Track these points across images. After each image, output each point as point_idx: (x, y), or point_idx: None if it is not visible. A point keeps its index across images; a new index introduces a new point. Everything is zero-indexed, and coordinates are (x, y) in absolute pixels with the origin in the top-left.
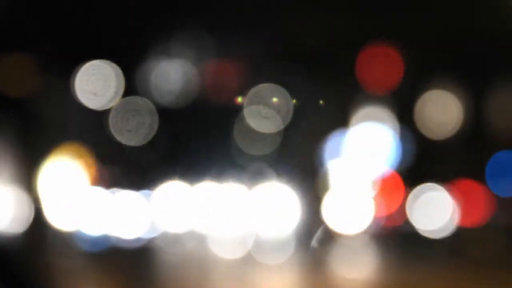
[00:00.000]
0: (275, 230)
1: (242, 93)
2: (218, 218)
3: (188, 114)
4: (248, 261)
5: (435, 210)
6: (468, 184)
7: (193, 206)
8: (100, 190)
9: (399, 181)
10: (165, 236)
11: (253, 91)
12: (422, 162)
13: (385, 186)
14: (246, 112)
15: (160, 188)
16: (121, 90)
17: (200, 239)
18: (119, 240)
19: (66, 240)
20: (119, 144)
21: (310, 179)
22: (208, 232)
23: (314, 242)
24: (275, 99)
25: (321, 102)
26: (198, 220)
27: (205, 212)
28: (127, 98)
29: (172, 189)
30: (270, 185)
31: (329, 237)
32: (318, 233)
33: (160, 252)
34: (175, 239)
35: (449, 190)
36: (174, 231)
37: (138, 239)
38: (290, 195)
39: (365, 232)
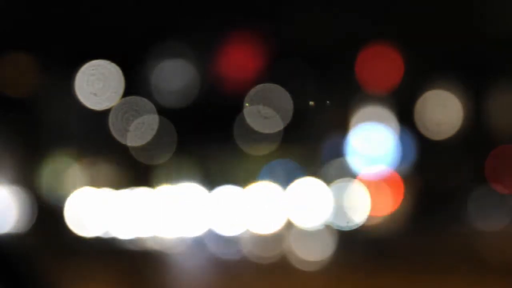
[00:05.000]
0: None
1: (242, 93)
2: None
3: (188, 114)
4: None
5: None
6: None
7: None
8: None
9: (399, 180)
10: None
11: (253, 91)
12: (422, 162)
13: (384, 185)
14: (246, 112)
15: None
16: (121, 90)
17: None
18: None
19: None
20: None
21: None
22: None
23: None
24: (275, 99)
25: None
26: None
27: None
28: (127, 98)
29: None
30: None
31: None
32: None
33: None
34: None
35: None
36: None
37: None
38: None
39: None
